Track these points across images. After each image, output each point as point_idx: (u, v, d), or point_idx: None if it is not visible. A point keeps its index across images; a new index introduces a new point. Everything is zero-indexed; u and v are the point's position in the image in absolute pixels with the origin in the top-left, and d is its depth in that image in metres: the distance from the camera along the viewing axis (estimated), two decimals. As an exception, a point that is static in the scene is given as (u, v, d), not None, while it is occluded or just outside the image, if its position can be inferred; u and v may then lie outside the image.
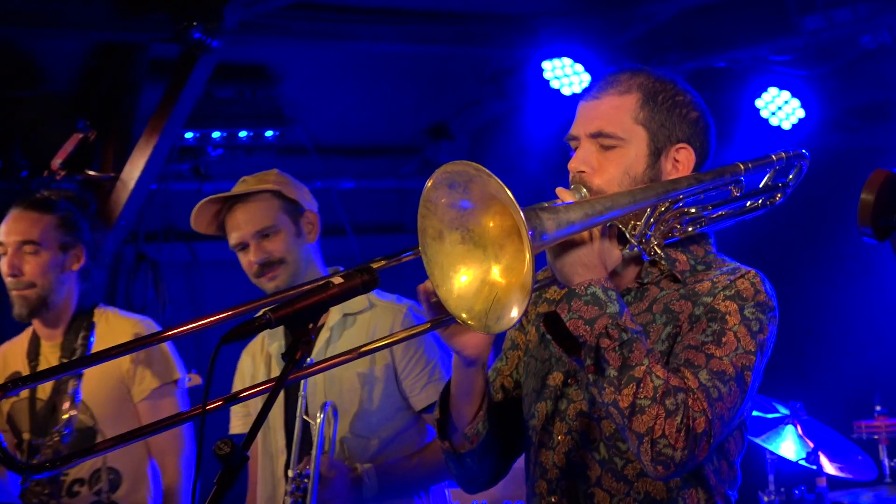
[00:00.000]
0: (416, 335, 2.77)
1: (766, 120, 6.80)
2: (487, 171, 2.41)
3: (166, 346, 4.44)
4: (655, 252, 2.69)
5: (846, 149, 6.78)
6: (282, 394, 3.87)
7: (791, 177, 2.85)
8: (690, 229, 2.75)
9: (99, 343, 4.31)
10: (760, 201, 2.83)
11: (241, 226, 4.00)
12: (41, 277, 4.33)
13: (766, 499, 5.44)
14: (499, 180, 2.40)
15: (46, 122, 6.32)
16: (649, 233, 2.69)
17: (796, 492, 5.44)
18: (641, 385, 2.50)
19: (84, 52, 6.37)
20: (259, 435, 3.95)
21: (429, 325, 2.66)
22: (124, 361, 4.31)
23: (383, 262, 2.64)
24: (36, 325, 4.45)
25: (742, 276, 2.68)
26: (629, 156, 2.74)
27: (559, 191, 2.65)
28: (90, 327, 4.39)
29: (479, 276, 2.54)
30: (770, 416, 5.45)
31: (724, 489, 2.75)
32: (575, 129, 2.80)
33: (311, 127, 7.16)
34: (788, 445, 5.38)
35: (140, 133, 6.28)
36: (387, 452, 3.93)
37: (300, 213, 4.06)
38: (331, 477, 3.70)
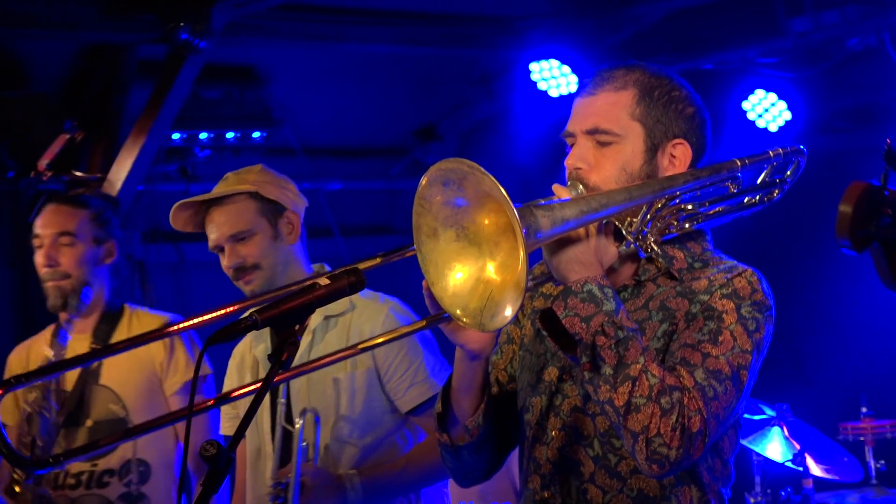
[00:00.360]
0: (412, 332, 2.76)
1: (753, 122, 6.82)
2: (481, 168, 2.41)
3: (195, 343, 4.52)
4: (652, 249, 2.68)
5: (833, 151, 6.79)
6: (269, 396, 3.85)
7: (788, 173, 2.84)
8: (687, 226, 2.74)
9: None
10: (758, 198, 2.82)
11: (215, 229, 3.92)
12: (76, 269, 4.41)
13: (752, 500, 5.45)
14: (493, 178, 2.39)
15: (33, 123, 6.30)
16: (646, 229, 2.68)
17: (782, 493, 5.45)
18: (637, 383, 2.50)
19: (71, 53, 6.37)
20: (250, 437, 3.95)
21: (424, 323, 2.66)
22: (158, 354, 4.39)
23: (379, 260, 2.65)
24: (65, 318, 4.48)
25: (739, 274, 2.67)
26: (626, 152, 2.74)
27: (555, 187, 2.64)
28: (118, 323, 4.48)
29: (473, 273, 2.53)
30: (756, 417, 5.46)
31: (718, 487, 2.74)
32: (571, 126, 2.79)
33: (298, 128, 7.16)
34: (775, 447, 5.39)
35: (127, 134, 6.27)
36: (374, 457, 3.88)
37: (279, 213, 3.95)
38: (313, 486, 3.68)
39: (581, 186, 2.70)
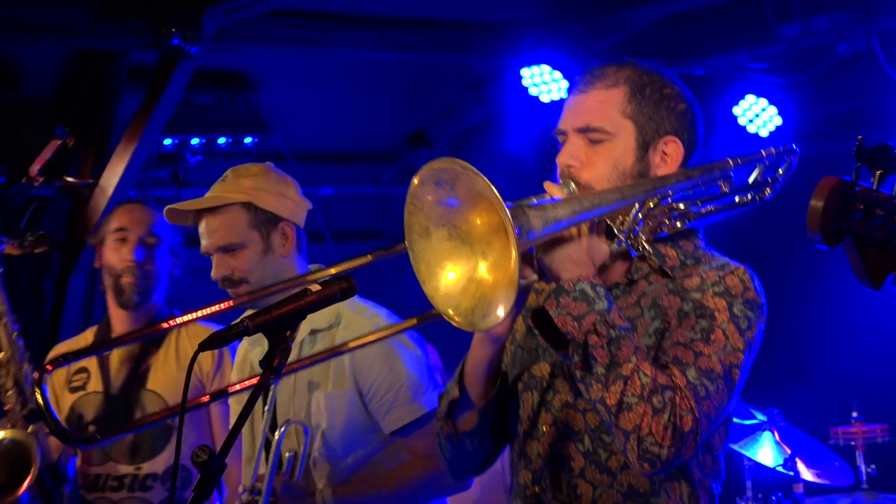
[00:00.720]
0: (404, 329, 2.74)
1: (744, 127, 6.83)
2: (474, 168, 2.42)
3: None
4: (644, 247, 2.68)
5: (823, 156, 6.76)
6: (262, 402, 3.82)
7: (780, 171, 2.84)
8: (679, 225, 2.74)
9: (182, 349, 4.46)
10: (749, 196, 2.82)
11: (206, 236, 3.82)
12: (154, 271, 4.53)
13: (743, 505, 5.47)
14: (485, 178, 2.40)
15: (24, 128, 6.30)
16: (637, 228, 2.68)
17: (773, 498, 5.46)
18: (629, 383, 2.51)
19: (63, 59, 6.36)
20: (246, 440, 3.93)
21: (415, 321, 2.66)
22: (205, 361, 4.43)
23: (370, 258, 2.67)
24: (121, 318, 4.55)
25: (731, 272, 2.68)
26: (617, 150, 2.74)
27: (547, 185, 2.65)
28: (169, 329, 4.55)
29: (465, 273, 2.54)
30: (747, 422, 5.48)
31: (709, 482, 2.75)
32: (562, 124, 2.80)
33: (290, 133, 7.16)
34: (766, 452, 5.41)
35: (118, 139, 6.27)
36: (356, 476, 3.80)
37: (273, 224, 3.84)
38: (284, 499, 3.62)
39: (573, 184, 2.71)
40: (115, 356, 4.51)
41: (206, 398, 3.07)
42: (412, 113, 7.56)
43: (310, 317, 3.62)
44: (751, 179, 2.82)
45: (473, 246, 2.54)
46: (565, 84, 6.74)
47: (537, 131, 6.72)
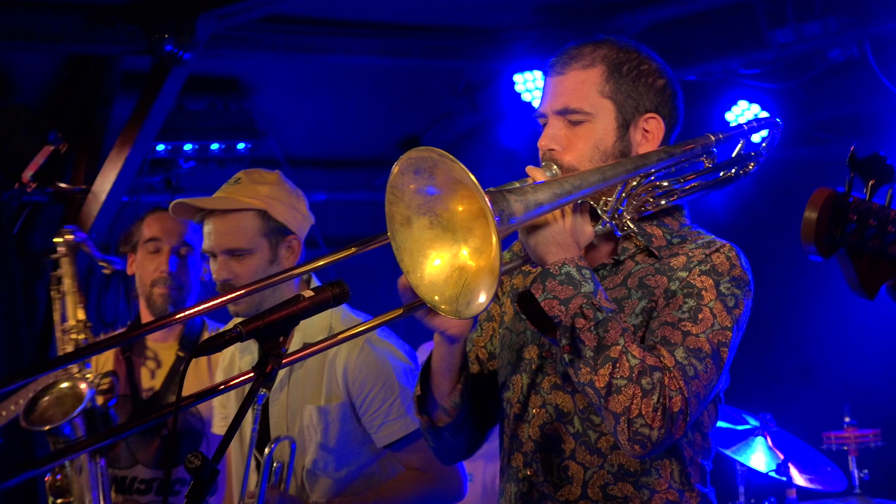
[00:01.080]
0: (390, 320, 2.73)
1: (736, 133, 6.83)
2: (451, 156, 2.41)
3: None
4: (628, 227, 2.68)
5: (815, 162, 6.82)
6: (252, 411, 3.80)
7: (764, 144, 2.83)
8: (663, 202, 2.74)
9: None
10: (734, 171, 2.82)
11: (213, 236, 3.76)
12: (187, 280, 4.54)
13: (736, 510, 5.47)
14: (462, 165, 2.39)
15: (17, 134, 6.28)
16: (621, 208, 2.67)
17: (766, 503, 5.47)
18: (617, 365, 2.50)
19: (56, 64, 6.36)
20: (235, 447, 3.92)
21: (401, 311, 2.65)
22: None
23: (353, 249, 2.66)
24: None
25: (717, 249, 2.67)
26: (598, 130, 2.73)
27: (529, 169, 2.64)
28: (201, 333, 4.57)
29: (448, 260, 2.53)
30: (740, 427, 5.47)
31: (699, 459, 2.74)
32: (542, 107, 2.80)
33: (283, 139, 7.16)
34: (758, 457, 5.40)
35: (111, 145, 6.26)
36: (349, 489, 3.78)
37: (282, 236, 3.79)
38: None
39: (555, 167, 2.71)
40: (154, 362, 4.54)
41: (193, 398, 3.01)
42: (405, 119, 7.57)
43: (302, 330, 3.65)
44: (734, 153, 2.82)
45: (456, 233, 2.54)
46: (558, 90, 6.74)
47: (530, 137, 6.72)
